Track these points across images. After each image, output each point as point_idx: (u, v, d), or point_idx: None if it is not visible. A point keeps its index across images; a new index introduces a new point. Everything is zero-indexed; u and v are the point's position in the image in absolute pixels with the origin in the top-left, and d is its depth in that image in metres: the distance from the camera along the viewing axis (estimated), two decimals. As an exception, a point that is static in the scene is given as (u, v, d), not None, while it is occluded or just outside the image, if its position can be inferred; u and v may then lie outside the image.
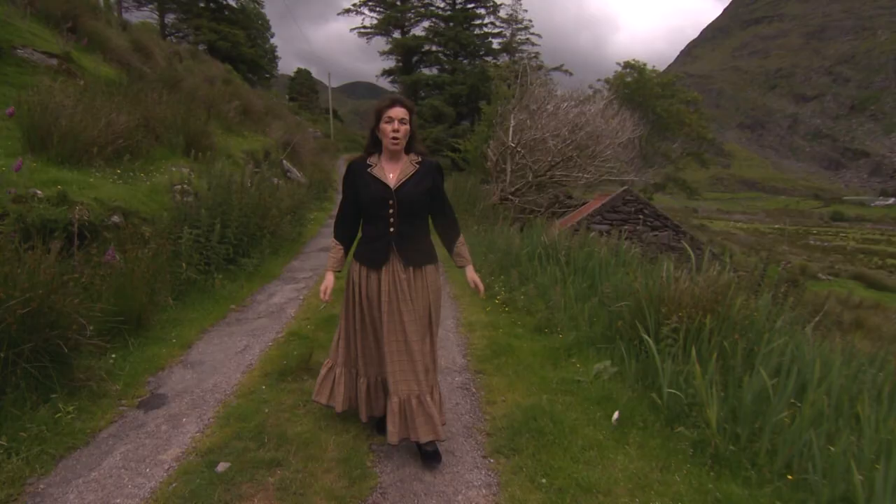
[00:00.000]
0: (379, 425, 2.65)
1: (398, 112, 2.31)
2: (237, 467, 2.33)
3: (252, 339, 4.04)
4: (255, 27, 35.92)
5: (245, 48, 32.72)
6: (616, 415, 2.71)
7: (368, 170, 2.39)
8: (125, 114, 5.95)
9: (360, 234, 2.54)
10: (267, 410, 2.85)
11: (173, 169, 6.32)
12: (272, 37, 39.51)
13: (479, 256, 5.99)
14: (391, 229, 2.37)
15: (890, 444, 2.07)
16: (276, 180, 8.66)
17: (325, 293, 2.51)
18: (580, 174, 11.67)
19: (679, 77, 38.63)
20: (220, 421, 2.77)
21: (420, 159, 2.44)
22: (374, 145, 2.44)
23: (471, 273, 2.57)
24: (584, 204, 11.31)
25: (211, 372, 3.43)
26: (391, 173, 2.38)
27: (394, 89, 44.79)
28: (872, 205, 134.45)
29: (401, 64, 41.98)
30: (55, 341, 2.67)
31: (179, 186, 5.67)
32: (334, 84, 45.81)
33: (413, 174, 2.38)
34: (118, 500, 2.15)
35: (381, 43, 43.29)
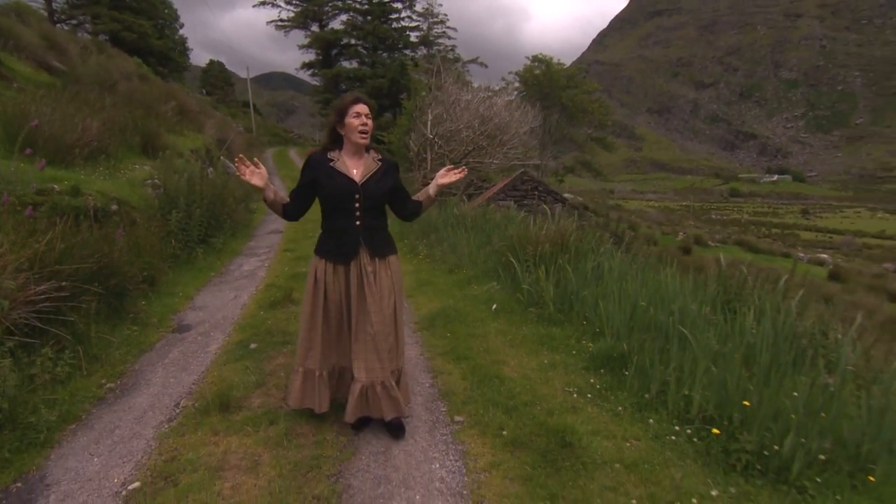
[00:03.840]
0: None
1: (364, 108, 2.36)
2: (262, 346, 3.76)
3: (238, 291, 5.37)
4: (162, 17, 34.53)
5: (153, 39, 31.35)
6: (494, 306, 4.40)
7: (330, 164, 2.38)
8: (96, 119, 6.90)
9: (321, 231, 2.51)
10: (269, 322, 4.27)
11: (137, 167, 7.33)
12: (181, 27, 38.23)
13: (406, 226, 7.56)
14: (357, 222, 2.39)
15: (630, 296, 3.87)
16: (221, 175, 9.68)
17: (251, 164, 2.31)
18: (491, 160, 13.53)
19: (581, 69, 41.87)
20: (238, 331, 4.15)
21: (381, 157, 2.50)
22: (334, 142, 2.45)
23: (435, 178, 2.54)
24: (493, 185, 13.22)
25: (216, 311, 4.75)
26: (354, 169, 2.39)
27: (315, 83, 44.88)
28: (761, 181, 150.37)
29: (320, 57, 42.17)
30: (122, 284, 3.94)
31: (151, 181, 6.77)
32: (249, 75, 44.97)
33: (376, 171, 2.43)
34: (192, 366, 3.53)
35: (299, 36, 43.13)
